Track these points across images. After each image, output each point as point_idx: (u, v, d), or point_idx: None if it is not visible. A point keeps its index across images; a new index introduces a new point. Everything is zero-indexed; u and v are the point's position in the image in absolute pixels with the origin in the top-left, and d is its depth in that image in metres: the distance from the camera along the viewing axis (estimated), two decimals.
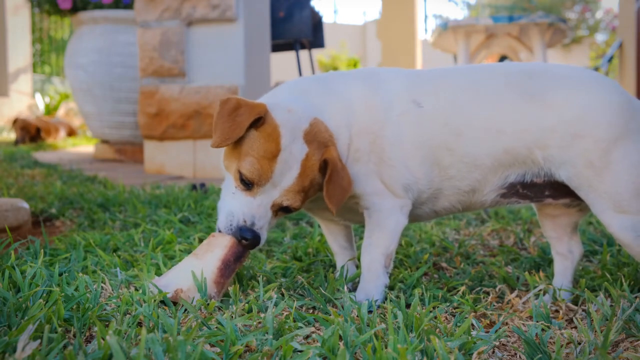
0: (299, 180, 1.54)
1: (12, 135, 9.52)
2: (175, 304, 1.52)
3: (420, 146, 1.62)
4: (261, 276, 1.77)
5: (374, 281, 1.64)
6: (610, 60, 8.59)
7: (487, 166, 1.62)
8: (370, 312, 1.53)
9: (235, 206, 1.55)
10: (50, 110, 11.15)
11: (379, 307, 1.57)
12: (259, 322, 1.38)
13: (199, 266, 1.55)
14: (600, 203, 1.54)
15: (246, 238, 1.53)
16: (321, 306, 1.53)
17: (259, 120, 1.53)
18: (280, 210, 1.58)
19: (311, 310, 1.54)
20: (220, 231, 1.57)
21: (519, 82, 1.61)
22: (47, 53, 14.44)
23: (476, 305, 1.57)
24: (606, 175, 1.51)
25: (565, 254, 1.79)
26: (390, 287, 1.72)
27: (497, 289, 1.73)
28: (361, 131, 1.63)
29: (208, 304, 1.45)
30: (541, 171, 1.60)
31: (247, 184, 1.53)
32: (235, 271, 1.57)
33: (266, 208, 1.55)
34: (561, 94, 1.56)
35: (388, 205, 1.65)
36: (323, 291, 1.62)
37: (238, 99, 1.54)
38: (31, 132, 8.26)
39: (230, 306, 1.48)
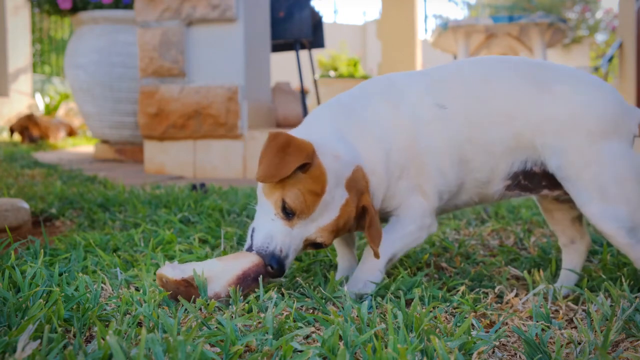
0: (335, 222, 1.57)
1: (12, 136, 9.51)
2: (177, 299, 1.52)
3: (450, 147, 1.68)
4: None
5: (369, 272, 1.68)
6: (610, 60, 8.59)
7: (499, 153, 1.68)
8: (370, 312, 1.53)
9: (275, 232, 1.56)
10: (50, 110, 11.14)
11: (378, 306, 1.57)
12: (259, 322, 1.38)
13: (221, 268, 1.55)
14: (585, 194, 1.60)
15: (272, 267, 1.54)
16: (321, 306, 1.53)
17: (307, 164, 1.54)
18: (310, 245, 1.61)
19: (311, 310, 1.54)
20: (250, 250, 1.57)
21: (528, 70, 1.69)
22: (47, 53, 14.44)
23: (476, 305, 1.57)
24: (594, 165, 1.59)
25: (568, 244, 1.88)
26: (391, 287, 1.72)
27: (496, 289, 1.73)
28: (400, 149, 1.68)
29: (208, 304, 1.45)
30: (538, 159, 1.67)
31: (288, 214, 1.55)
32: (246, 289, 1.55)
33: (301, 241, 1.57)
34: (566, 86, 1.65)
35: (419, 223, 1.73)
36: (323, 291, 1.62)
37: (288, 136, 1.53)
38: (32, 131, 8.25)
39: (230, 306, 1.48)
